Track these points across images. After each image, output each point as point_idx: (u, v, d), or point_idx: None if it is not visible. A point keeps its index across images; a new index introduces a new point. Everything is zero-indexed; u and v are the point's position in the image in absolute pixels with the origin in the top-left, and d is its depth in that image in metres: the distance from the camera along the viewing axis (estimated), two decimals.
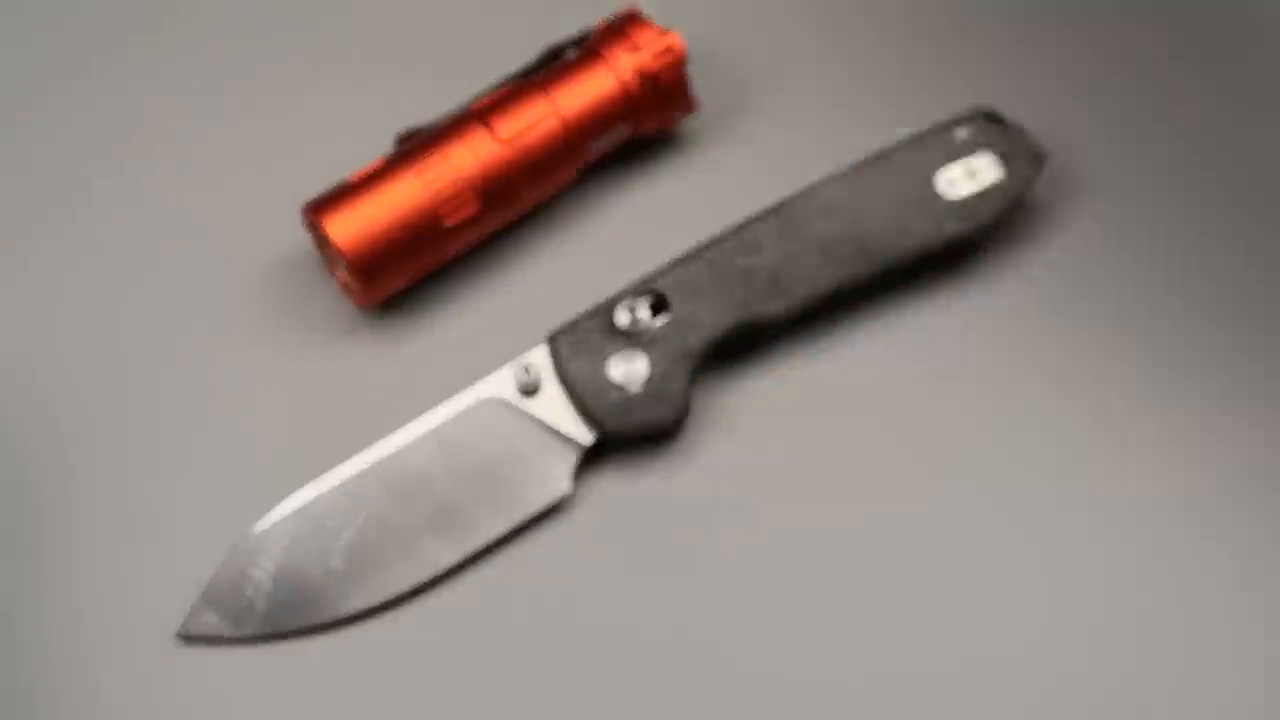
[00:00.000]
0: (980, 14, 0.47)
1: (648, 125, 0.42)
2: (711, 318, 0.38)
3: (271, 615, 0.36)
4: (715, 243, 0.39)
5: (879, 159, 0.40)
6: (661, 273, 0.39)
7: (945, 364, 0.40)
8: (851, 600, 0.37)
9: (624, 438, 0.38)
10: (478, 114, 0.40)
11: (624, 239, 0.42)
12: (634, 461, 0.39)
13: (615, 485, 0.39)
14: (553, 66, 0.42)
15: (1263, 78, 0.45)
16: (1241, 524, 0.37)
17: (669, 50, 0.41)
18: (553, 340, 0.38)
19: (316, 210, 0.39)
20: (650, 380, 0.38)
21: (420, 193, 0.39)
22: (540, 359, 0.38)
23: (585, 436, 0.38)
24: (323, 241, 0.40)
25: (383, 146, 0.41)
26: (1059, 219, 0.42)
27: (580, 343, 0.38)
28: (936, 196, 0.39)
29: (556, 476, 0.38)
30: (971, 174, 0.40)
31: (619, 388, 0.38)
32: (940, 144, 0.40)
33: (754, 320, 0.39)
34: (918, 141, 0.40)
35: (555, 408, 0.38)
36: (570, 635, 0.36)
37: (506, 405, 0.38)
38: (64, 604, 0.37)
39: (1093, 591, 0.36)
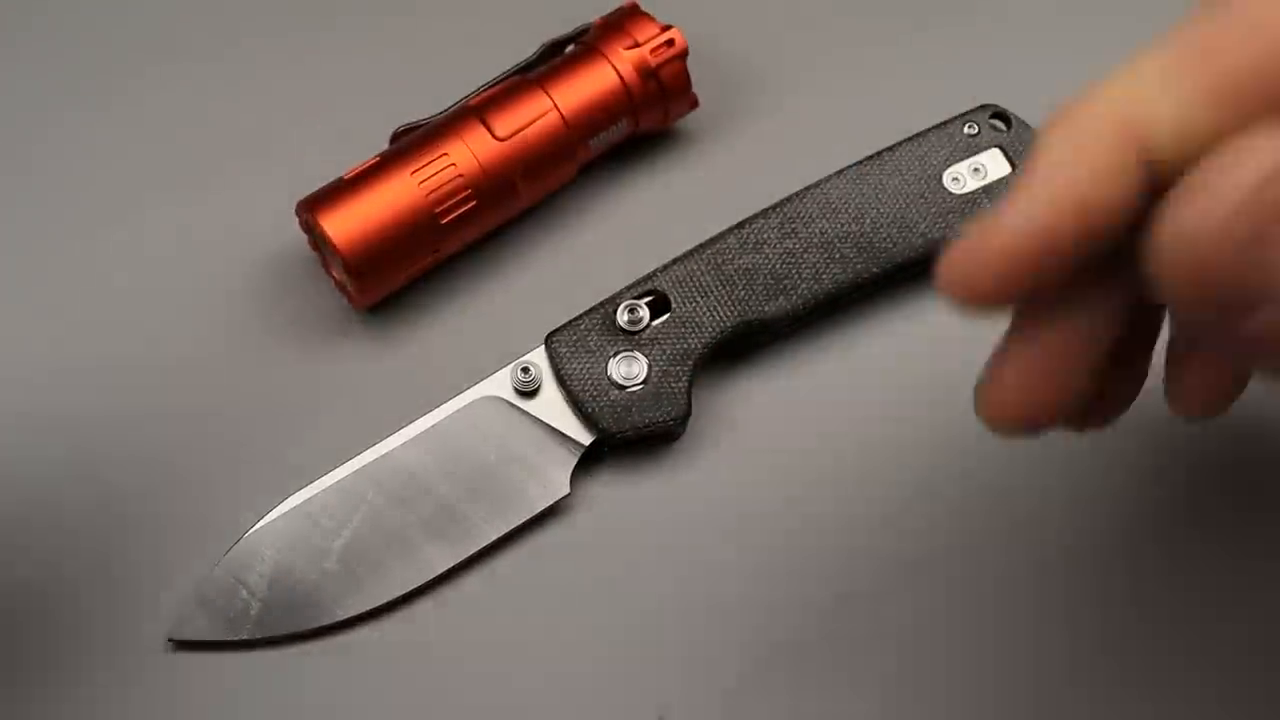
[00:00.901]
0: (983, 11, 0.46)
1: (648, 122, 0.42)
2: (712, 317, 0.38)
3: (265, 619, 0.36)
4: (716, 241, 0.39)
5: (883, 156, 0.39)
6: (662, 272, 0.38)
7: (948, 363, 0.39)
8: (851, 598, 0.36)
9: (623, 438, 0.37)
10: (475, 110, 0.40)
11: (624, 238, 0.42)
12: (633, 462, 0.38)
13: (615, 486, 0.38)
14: (551, 62, 0.41)
15: None
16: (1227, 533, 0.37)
17: (669, 45, 0.41)
18: (551, 340, 0.38)
19: (312, 208, 0.39)
20: (650, 380, 0.37)
21: (416, 190, 0.38)
22: (539, 359, 0.38)
23: (584, 437, 0.37)
24: (319, 240, 0.39)
25: (378, 143, 0.41)
26: None
27: (579, 342, 0.38)
28: (943, 193, 0.39)
29: (555, 477, 0.37)
30: (978, 171, 0.39)
31: (619, 388, 0.37)
32: (947, 140, 0.40)
33: (755, 320, 0.38)
34: (924, 138, 0.40)
35: (554, 408, 0.38)
36: (568, 638, 0.36)
37: (505, 405, 0.38)
38: (55, 605, 0.37)
39: (1091, 584, 0.36)
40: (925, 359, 0.40)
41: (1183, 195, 0.22)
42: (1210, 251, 0.21)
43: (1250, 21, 0.23)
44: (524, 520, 0.37)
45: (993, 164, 0.40)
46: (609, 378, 0.37)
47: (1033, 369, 0.26)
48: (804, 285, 0.38)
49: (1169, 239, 0.22)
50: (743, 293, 0.38)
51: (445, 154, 0.39)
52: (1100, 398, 0.28)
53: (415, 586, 0.36)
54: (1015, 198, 0.24)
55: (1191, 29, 0.24)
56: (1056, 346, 0.26)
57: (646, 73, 0.40)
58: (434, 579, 0.36)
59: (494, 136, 0.39)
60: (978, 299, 0.24)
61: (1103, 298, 0.26)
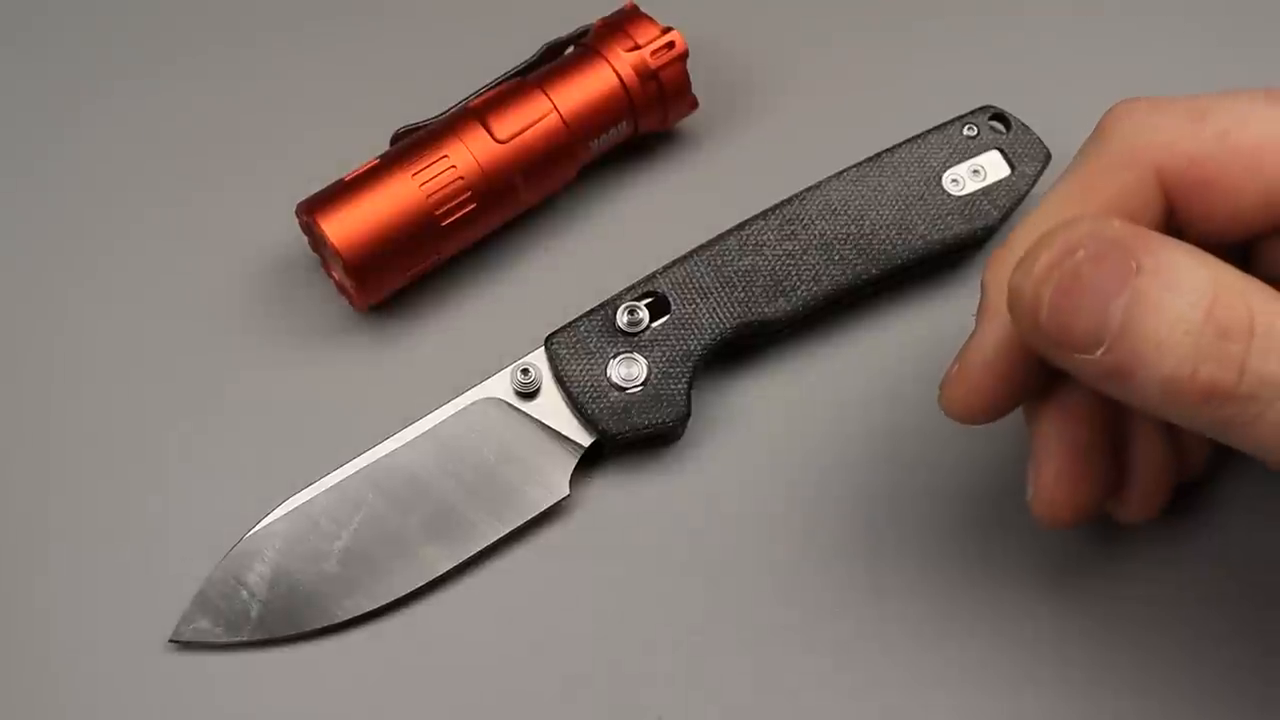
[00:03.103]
0: (983, 12, 0.46)
1: (648, 124, 0.42)
2: (712, 319, 0.38)
3: (265, 620, 0.36)
4: (716, 243, 0.39)
5: (883, 157, 0.40)
6: (661, 273, 0.38)
7: (947, 363, 0.40)
8: (852, 597, 0.36)
9: (623, 440, 0.37)
10: (475, 112, 0.40)
11: (624, 239, 0.42)
12: (633, 463, 0.38)
13: (615, 487, 0.38)
14: (551, 64, 0.41)
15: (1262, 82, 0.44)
16: None
17: (670, 47, 0.41)
18: (551, 341, 0.38)
19: (311, 210, 0.39)
20: (650, 382, 0.37)
21: (417, 192, 0.39)
22: (539, 360, 0.38)
23: (584, 438, 0.37)
24: (319, 241, 0.39)
25: (379, 144, 0.41)
26: None
27: (579, 344, 0.38)
28: (942, 195, 0.39)
29: (555, 479, 0.37)
30: (977, 172, 0.39)
31: (618, 389, 0.37)
32: (946, 142, 0.40)
33: (755, 321, 0.38)
34: (923, 139, 0.40)
35: (554, 409, 0.38)
36: (568, 638, 0.36)
37: (505, 407, 0.38)
38: (55, 606, 0.37)
39: (1093, 568, 0.36)
40: (925, 359, 0.40)
41: (1020, 261, 0.27)
42: (1028, 304, 0.27)
43: (1113, 162, 0.30)
44: (524, 521, 0.37)
45: (992, 166, 0.40)
46: (609, 379, 0.37)
47: (1060, 461, 0.32)
48: (804, 286, 0.38)
49: (1009, 293, 0.27)
50: (742, 294, 0.38)
51: (445, 156, 0.39)
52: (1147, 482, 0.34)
53: (415, 588, 0.36)
54: (971, 339, 0.31)
55: (1080, 164, 0.31)
56: (1069, 436, 0.32)
57: (646, 74, 0.40)
58: (434, 580, 0.37)
59: (494, 138, 0.39)
60: (975, 420, 0.32)
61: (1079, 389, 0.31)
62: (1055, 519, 0.33)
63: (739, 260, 0.38)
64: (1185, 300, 0.26)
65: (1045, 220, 0.31)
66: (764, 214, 0.39)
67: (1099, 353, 0.26)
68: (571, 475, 0.37)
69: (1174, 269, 0.26)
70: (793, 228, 0.39)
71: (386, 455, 0.37)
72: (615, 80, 0.40)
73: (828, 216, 0.39)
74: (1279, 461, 0.27)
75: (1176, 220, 0.31)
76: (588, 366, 0.37)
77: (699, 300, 0.38)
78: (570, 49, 0.42)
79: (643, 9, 0.42)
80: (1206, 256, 0.26)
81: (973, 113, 0.40)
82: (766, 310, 0.38)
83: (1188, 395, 0.26)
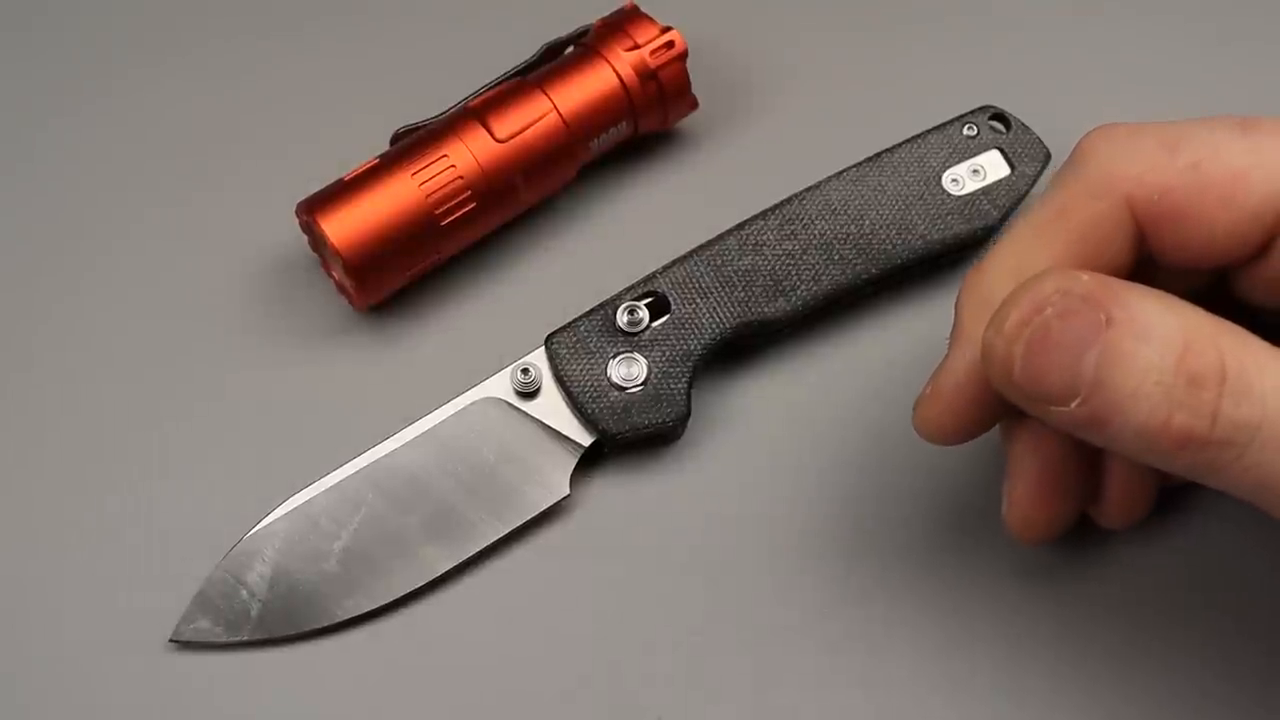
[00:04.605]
0: (982, 12, 0.46)
1: (648, 124, 0.42)
2: (712, 319, 0.38)
3: (265, 620, 0.36)
4: (716, 242, 0.39)
5: (883, 157, 0.40)
6: (661, 273, 0.38)
7: None
8: (852, 597, 0.36)
9: (623, 440, 0.37)
10: (475, 112, 0.40)
11: (624, 239, 0.42)
12: (633, 463, 0.38)
13: (614, 487, 0.38)
14: (551, 64, 0.41)
15: (1262, 80, 0.45)
16: None
17: (669, 47, 0.41)
18: (551, 341, 0.38)
19: (311, 210, 0.39)
20: (650, 382, 0.37)
21: (416, 192, 0.39)
22: (539, 360, 0.38)
23: (584, 438, 0.37)
24: (319, 241, 0.39)
25: (379, 144, 0.41)
26: None
27: (579, 344, 0.38)
28: (942, 194, 0.39)
29: (555, 478, 0.37)
30: (977, 172, 0.40)
31: (618, 389, 0.37)
32: (946, 142, 0.40)
33: (755, 321, 0.38)
34: (923, 139, 0.40)
35: (554, 409, 0.38)
36: (569, 638, 0.36)
37: (505, 407, 0.38)
38: (56, 606, 0.37)
39: (1090, 573, 0.36)
40: (925, 359, 0.40)
41: (992, 317, 0.27)
42: (1001, 361, 0.27)
43: (1086, 190, 0.30)
44: (524, 521, 0.37)
45: (991, 165, 0.40)
46: (609, 379, 0.37)
47: (1034, 479, 0.32)
48: (803, 286, 0.38)
49: (983, 348, 0.28)
50: (742, 294, 0.38)
51: (445, 155, 0.39)
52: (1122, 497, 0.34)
53: (415, 588, 0.36)
54: (944, 361, 0.32)
55: (1053, 191, 0.31)
56: (1042, 454, 0.32)
57: (646, 74, 0.40)
58: (434, 580, 0.37)
59: (494, 138, 0.39)
60: (949, 441, 0.32)
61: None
62: (1029, 536, 0.33)
63: (739, 260, 0.38)
64: (1156, 349, 0.26)
65: (1018, 246, 0.31)
66: (764, 214, 0.39)
67: (1074, 405, 0.26)
68: (571, 475, 0.37)
69: (1145, 318, 0.26)
70: (793, 228, 0.39)
71: (386, 455, 0.37)
72: (615, 80, 0.40)
73: (828, 216, 0.39)
74: (1260, 502, 0.27)
75: (1149, 247, 0.31)
76: (588, 366, 0.37)
77: (699, 300, 0.38)
78: (570, 49, 0.42)
79: (642, 9, 0.42)
80: (1176, 302, 0.27)
81: (973, 113, 0.40)
82: (766, 310, 0.38)
83: (1163, 443, 0.26)
